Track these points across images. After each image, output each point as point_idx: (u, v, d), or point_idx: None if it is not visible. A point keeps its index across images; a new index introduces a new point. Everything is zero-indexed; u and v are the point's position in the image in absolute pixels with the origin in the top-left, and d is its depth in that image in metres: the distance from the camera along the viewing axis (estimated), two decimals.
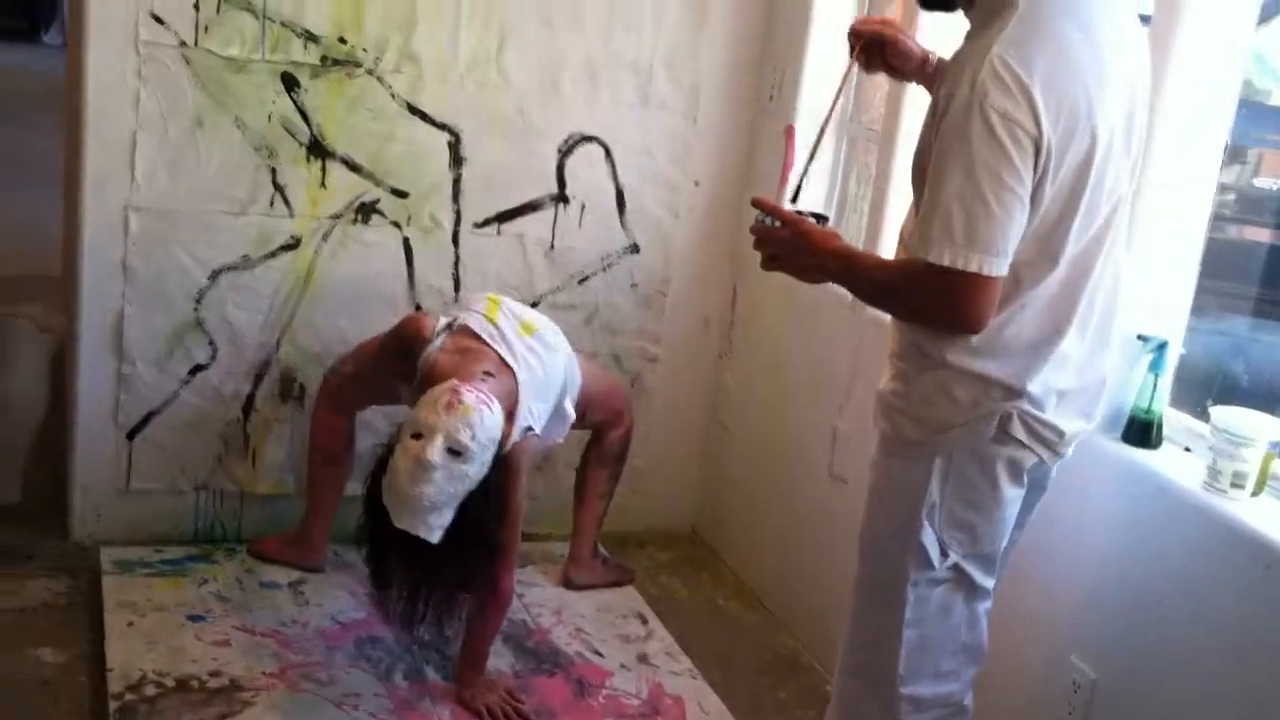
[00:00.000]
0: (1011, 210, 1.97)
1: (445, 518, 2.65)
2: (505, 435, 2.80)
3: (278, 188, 3.39)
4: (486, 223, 3.60)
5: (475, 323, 3.00)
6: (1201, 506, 2.31)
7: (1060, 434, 2.18)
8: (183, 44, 3.24)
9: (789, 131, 3.60)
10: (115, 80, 3.22)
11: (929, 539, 2.20)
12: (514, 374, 2.94)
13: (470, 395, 2.69)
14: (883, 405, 2.27)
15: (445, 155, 3.51)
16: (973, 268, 1.97)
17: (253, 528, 3.54)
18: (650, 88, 3.66)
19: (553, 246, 3.68)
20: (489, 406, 2.71)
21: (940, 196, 1.98)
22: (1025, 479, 2.21)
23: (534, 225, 3.65)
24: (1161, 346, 2.50)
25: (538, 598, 3.43)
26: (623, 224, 3.74)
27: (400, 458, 2.66)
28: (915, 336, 2.19)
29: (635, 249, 3.77)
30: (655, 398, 3.88)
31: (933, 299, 2.05)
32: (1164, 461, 2.47)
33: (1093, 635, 2.52)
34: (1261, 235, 5.01)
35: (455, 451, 2.64)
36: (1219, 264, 4.43)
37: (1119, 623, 2.46)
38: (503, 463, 2.78)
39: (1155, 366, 2.50)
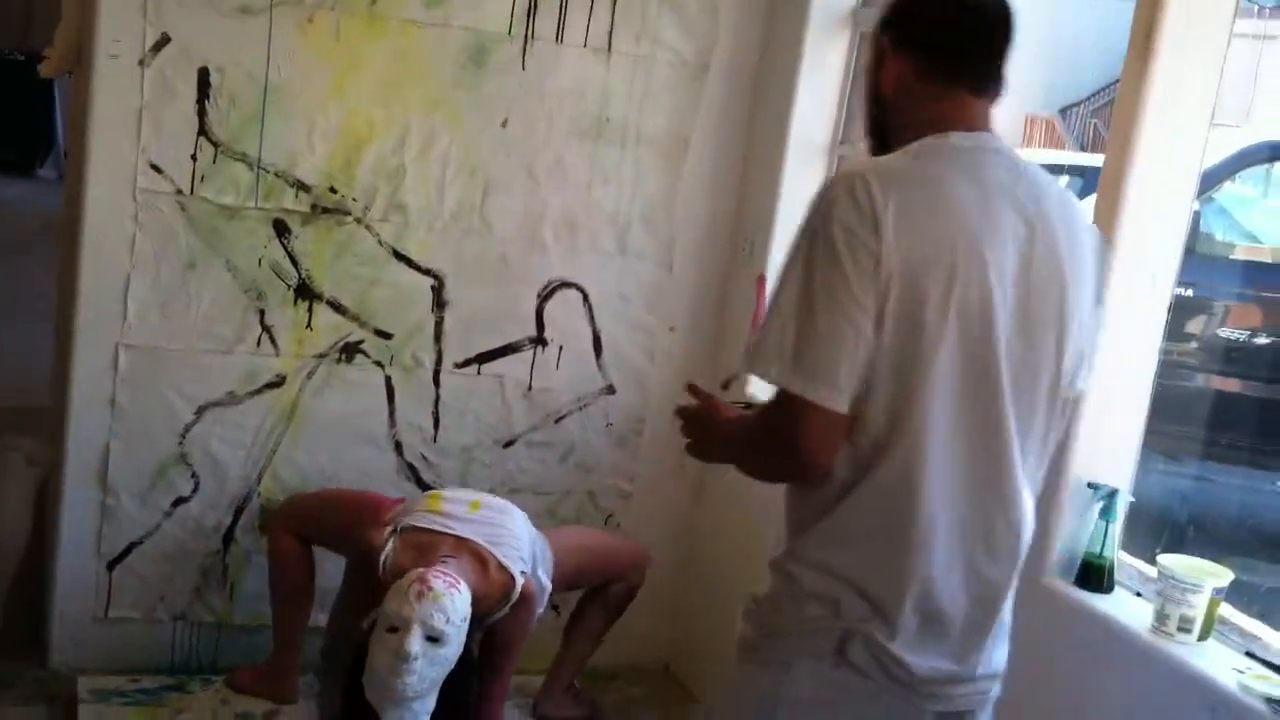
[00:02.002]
0: (842, 335, 1.79)
1: (429, 704, 2.75)
2: (482, 604, 2.89)
3: (265, 328, 3.51)
4: (467, 363, 3.72)
5: (420, 520, 3.07)
6: (1150, 650, 2.41)
7: (910, 674, 1.91)
8: (179, 192, 3.38)
9: (760, 281, 3.74)
10: (112, 224, 3.35)
11: None
12: (472, 545, 3.01)
13: (438, 581, 2.78)
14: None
15: (429, 298, 3.64)
16: (795, 389, 1.80)
17: (229, 658, 3.58)
18: (628, 237, 3.82)
19: (530, 387, 3.80)
20: (457, 588, 2.80)
21: (776, 305, 1.85)
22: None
23: (513, 366, 3.77)
24: (1112, 495, 2.62)
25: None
26: (599, 366, 3.87)
27: (379, 654, 2.74)
28: (787, 516, 2.01)
29: (611, 390, 3.89)
30: (629, 535, 3.96)
31: (765, 425, 1.91)
32: (1115, 606, 2.57)
33: None
34: (1230, 385, 5.18)
35: (433, 639, 2.73)
36: (1187, 412, 4.61)
37: None
38: (517, 605, 2.93)
39: (1106, 513, 2.62)
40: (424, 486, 3.71)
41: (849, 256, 1.79)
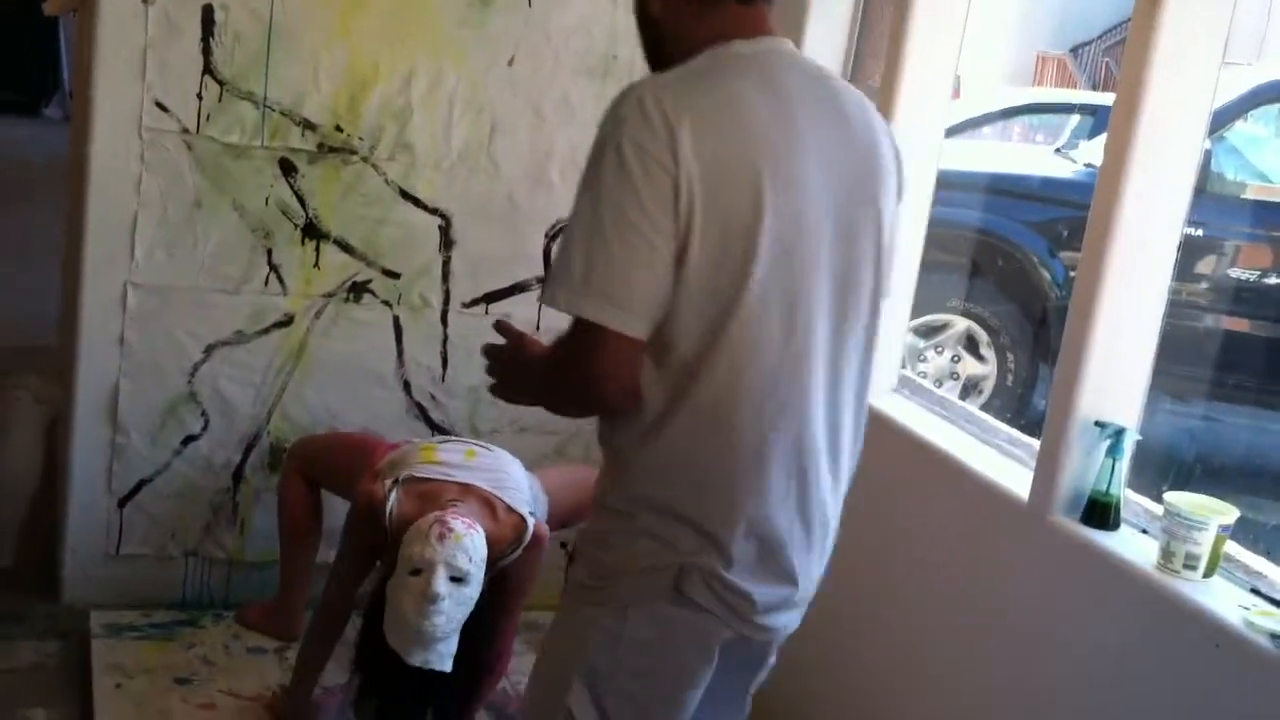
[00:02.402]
0: (636, 254, 1.72)
1: (453, 645, 2.76)
2: (495, 548, 2.89)
3: (272, 267, 3.51)
4: (474, 303, 3.73)
5: (420, 470, 3.06)
6: (1155, 587, 2.42)
7: (750, 603, 1.88)
8: (185, 130, 3.37)
9: None
10: (119, 164, 3.35)
11: (581, 707, 1.91)
12: (477, 490, 3.01)
13: (457, 522, 2.79)
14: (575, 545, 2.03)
15: (436, 238, 3.64)
16: (587, 314, 1.73)
17: (241, 594, 3.61)
18: None
19: (539, 327, 3.79)
20: (474, 529, 2.81)
21: (566, 230, 1.80)
22: (715, 656, 1.92)
23: (521, 306, 3.77)
24: (1119, 433, 2.62)
25: (519, 665, 3.50)
26: None
27: (404, 598, 2.74)
28: (611, 441, 1.91)
29: None
30: None
31: (559, 356, 1.84)
32: (1121, 543, 2.58)
33: (1055, 708, 2.61)
34: (1240, 325, 5.19)
35: (456, 579, 2.74)
36: (1197, 352, 4.62)
37: (1079, 697, 2.56)
38: (530, 546, 2.95)
39: (1113, 451, 2.62)
40: (432, 426, 3.73)
41: (642, 174, 1.72)
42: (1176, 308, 4.02)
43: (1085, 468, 2.66)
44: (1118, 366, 2.65)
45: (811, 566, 1.99)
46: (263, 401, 3.57)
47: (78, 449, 3.49)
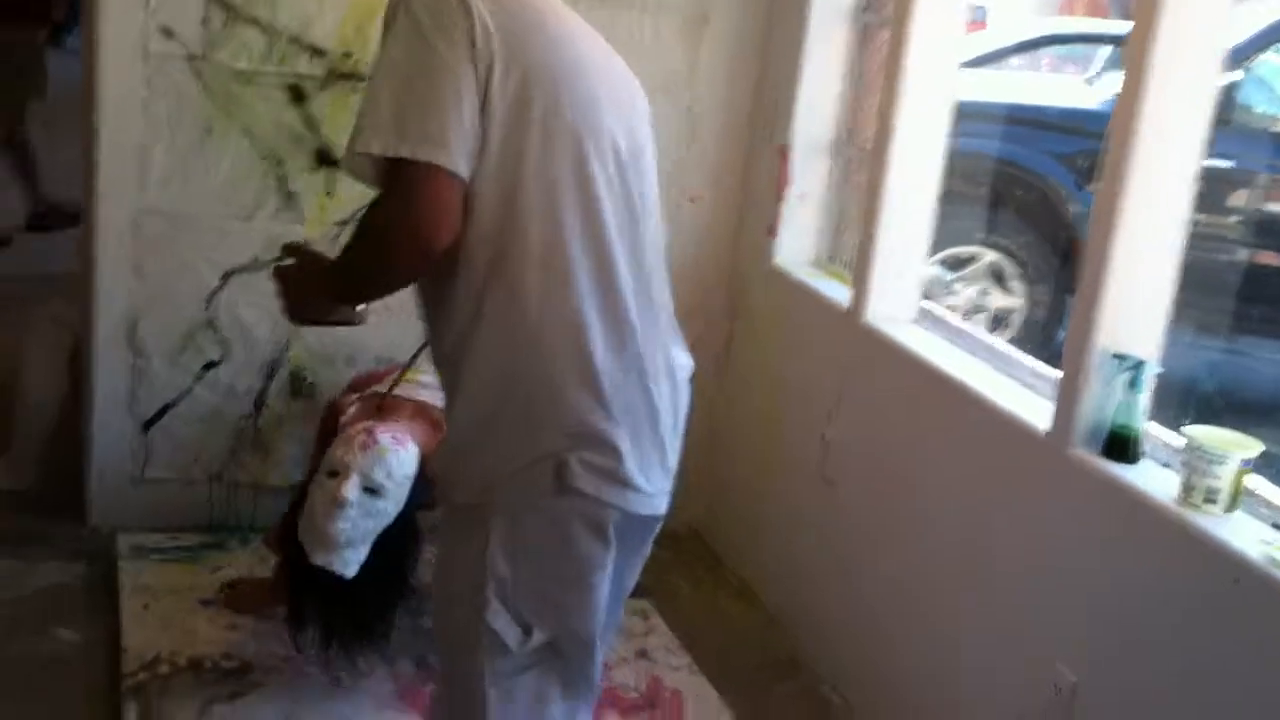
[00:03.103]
0: (444, 98, 1.74)
1: (361, 554, 2.74)
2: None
3: (286, 194, 3.51)
4: None
5: (386, 386, 3.08)
6: (1175, 521, 2.40)
7: (629, 481, 1.91)
8: (191, 56, 3.36)
9: (782, 151, 3.71)
10: (126, 90, 3.34)
11: (500, 620, 1.92)
12: (433, 411, 2.99)
13: (385, 436, 2.78)
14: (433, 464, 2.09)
15: None
16: (404, 153, 1.74)
17: (266, 517, 3.62)
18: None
19: None
20: (403, 446, 2.79)
21: (370, 84, 1.81)
22: (612, 535, 1.94)
23: None
24: (1139, 365, 2.60)
25: None
26: None
27: (317, 496, 2.76)
28: (437, 327, 1.95)
29: None
30: None
31: (379, 213, 1.83)
32: (1142, 477, 2.56)
33: (1073, 641, 2.61)
34: (1269, 259, 5.13)
35: (370, 490, 2.74)
36: (1225, 286, 4.57)
37: (1099, 629, 2.56)
38: None
39: (1133, 384, 2.60)
40: None
41: (439, 31, 1.77)
42: (1205, 241, 3.99)
43: (1105, 400, 2.64)
44: (1136, 298, 2.62)
45: (671, 422, 2.02)
46: (281, 328, 3.57)
47: (100, 373, 3.51)
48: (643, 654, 3.32)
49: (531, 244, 1.85)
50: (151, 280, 3.47)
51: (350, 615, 2.85)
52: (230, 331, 3.55)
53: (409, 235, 1.80)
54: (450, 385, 1.97)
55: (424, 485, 2.83)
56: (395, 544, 2.82)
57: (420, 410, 3.00)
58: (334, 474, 2.75)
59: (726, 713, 3.12)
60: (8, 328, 4.04)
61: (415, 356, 2.63)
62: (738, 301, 3.95)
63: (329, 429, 3.04)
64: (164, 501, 3.57)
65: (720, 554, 4.00)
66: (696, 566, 3.93)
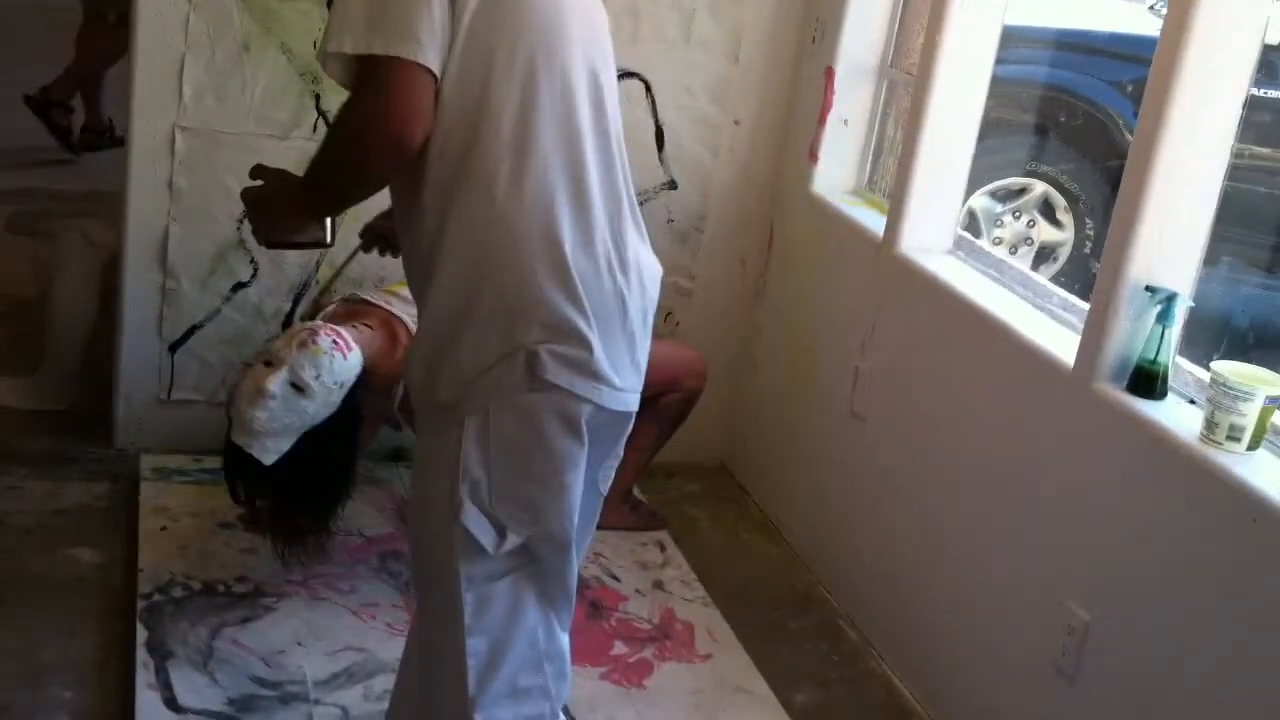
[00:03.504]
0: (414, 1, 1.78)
1: (282, 445, 2.80)
2: (384, 377, 2.92)
3: (321, 113, 3.47)
4: None
5: (369, 294, 3.13)
6: (1196, 458, 2.34)
7: (599, 371, 1.91)
8: None
9: (829, 72, 3.63)
10: (166, 5, 3.30)
11: (475, 521, 1.92)
12: (398, 323, 3.04)
13: (324, 338, 2.82)
14: (405, 369, 2.05)
15: None
16: (376, 49, 1.77)
17: None
18: (693, 26, 3.69)
19: None
20: (343, 352, 2.83)
21: (336, 4, 1.84)
22: (585, 431, 1.94)
23: None
24: (1170, 298, 2.52)
25: None
26: (661, 160, 3.78)
27: (247, 379, 2.83)
28: (407, 237, 1.97)
29: (673, 185, 3.81)
30: (689, 333, 3.93)
31: (351, 111, 1.84)
32: (1166, 413, 2.49)
33: (1087, 579, 2.56)
34: None
35: (297, 386, 2.78)
36: (1266, 219, 4.43)
37: (1113, 567, 2.51)
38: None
39: (1163, 318, 2.52)
40: None
41: None
42: (1252, 173, 3.84)
43: (1134, 334, 2.57)
44: (1173, 229, 2.54)
45: (640, 319, 2.02)
46: (311, 250, 3.55)
47: (129, 294, 3.51)
48: (658, 585, 3.30)
49: (503, 137, 1.86)
50: (184, 199, 3.45)
51: (275, 503, 2.93)
52: (260, 252, 3.53)
53: (383, 130, 1.80)
54: (423, 285, 1.96)
55: (366, 396, 2.89)
56: (325, 445, 2.85)
57: (386, 321, 3.03)
58: (268, 364, 2.82)
59: (738, 645, 3.08)
60: (47, 245, 4.06)
61: None
62: (776, 228, 3.88)
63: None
64: (189, 424, 3.57)
65: (746, 486, 3.95)
66: (720, 499, 3.90)
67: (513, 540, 1.94)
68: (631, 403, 2.02)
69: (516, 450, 1.92)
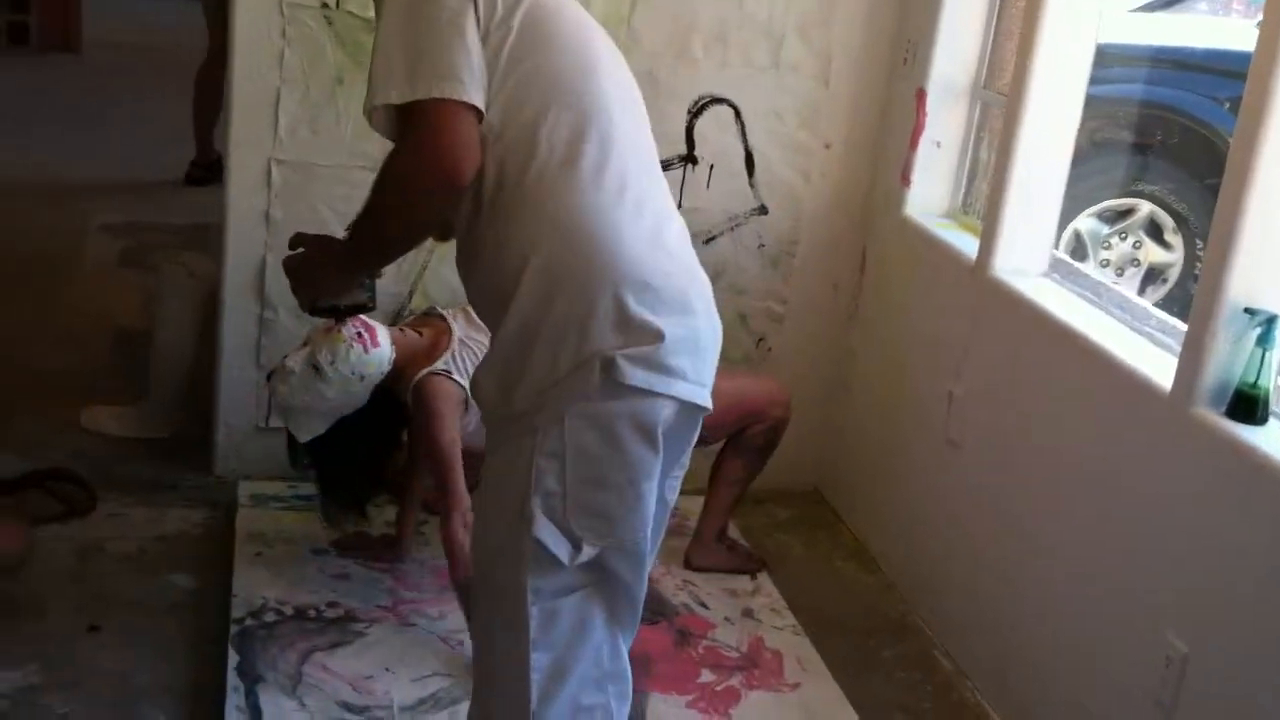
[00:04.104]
0: (447, 33, 1.83)
1: (314, 426, 3.04)
2: (406, 372, 3.05)
3: None
4: None
5: (447, 309, 3.28)
6: None
7: (662, 342, 1.88)
8: (324, 5, 3.37)
9: (920, 95, 3.59)
10: (261, 40, 3.37)
11: (548, 533, 1.89)
12: (452, 338, 3.14)
13: (349, 328, 2.98)
14: (474, 382, 2.06)
15: None
16: (420, 94, 1.81)
17: None
18: (782, 51, 3.67)
19: (680, 207, 3.70)
20: (365, 345, 3.00)
21: (377, 45, 1.89)
22: (660, 437, 1.91)
23: None
24: (1271, 320, 2.45)
25: None
26: (751, 186, 3.76)
27: (287, 355, 3.09)
28: (474, 273, 2.00)
29: (763, 210, 3.79)
30: (781, 357, 3.90)
31: (401, 156, 1.87)
32: (1267, 438, 2.42)
33: (1186, 610, 2.49)
34: None
35: (315, 368, 2.99)
36: None
37: (1213, 598, 2.43)
38: (414, 396, 3.05)
39: (1263, 340, 2.45)
40: None
41: None
42: None
43: (1233, 357, 2.49)
44: (1273, 249, 2.46)
45: (704, 308, 2.02)
46: (404, 278, 3.59)
47: (228, 324, 3.57)
48: (747, 613, 3.27)
49: (557, 155, 1.90)
50: (280, 230, 3.49)
51: (317, 473, 3.16)
52: None
53: (434, 169, 1.83)
54: (495, 309, 1.97)
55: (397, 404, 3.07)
56: (356, 436, 3.06)
57: (439, 333, 3.17)
58: (305, 343, 3.07)
59: (828, 675, 3.04)
60: (153, 277, 4.15)
61: None
62: (869, 251, 3.85)
63: None
64: (285, 451, 3.61)
65: (839, 512, 3.91)
66: (813, 525, 3.85)
67: (588, 552, 1.91)
68: (704, 397, 1.98)
69: (592, 459, 1.89)
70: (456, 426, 3.03)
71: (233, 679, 2.74)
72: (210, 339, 3.71)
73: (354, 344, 2.98)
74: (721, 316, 3.64)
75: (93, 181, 5.95)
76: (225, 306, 3.56)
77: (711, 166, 3.71)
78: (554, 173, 1.90)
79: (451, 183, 1.84)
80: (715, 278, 3.68)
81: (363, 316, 2.94)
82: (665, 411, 1.91)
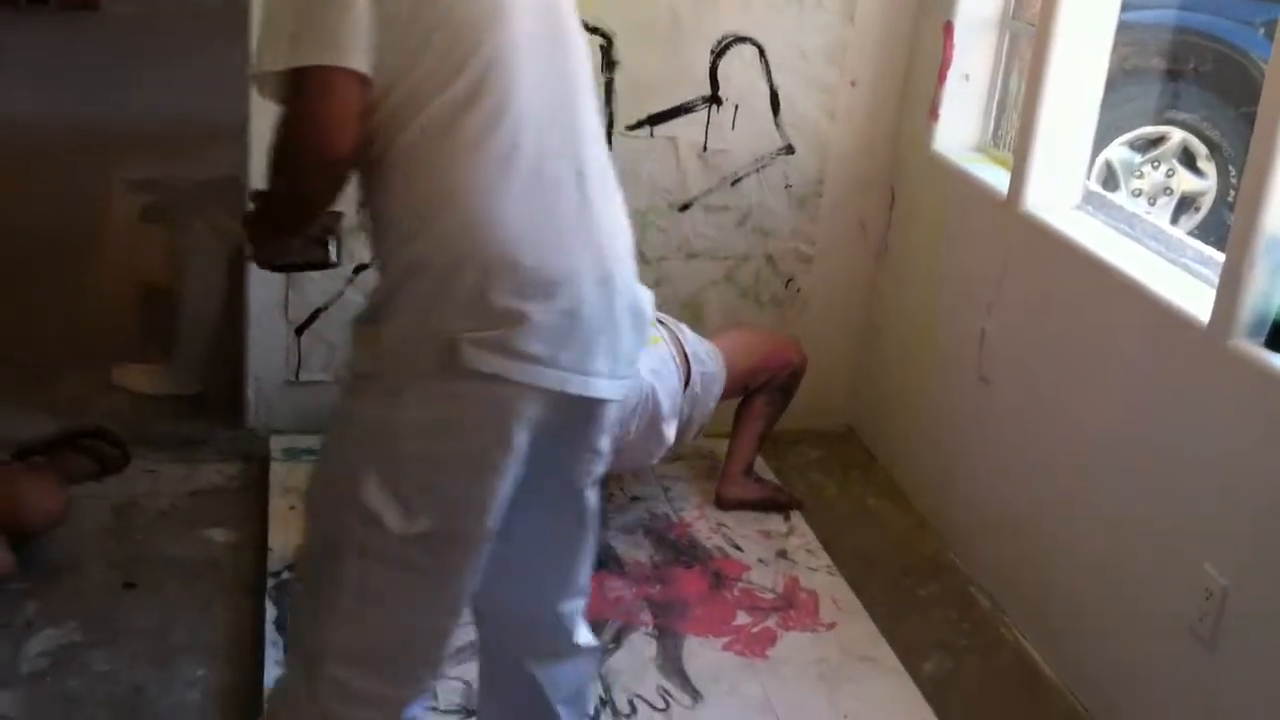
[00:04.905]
0: (335, 3, 1.70)
1: None
2: None
3: None
4: (639, 125, 3.63)
5: None
6: None
7: (528, 329, 1.75)
8: None
9: (947, 28, 3.53)
10: None
11: (377, 499, 1.80)
12: None
13: None
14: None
15: (597, 58, 3.53)
16: (297, 62, 1.69)
17: None
18: None
19: (705, 148, 3.68)
20: None
21: (264, 14, 1.79)
22: (515, 429, 1.80)
23: (686, 128, 3.65)
24: None
25: (682, 491, 3.50)
26: (777, 125, 3.72)
27: None
28: (367, 221, 1.87)
29: (790, 150, 3.75)
30: (810, 298, 3.88)
31: (282, 125, 1.74)
32: None
33: (1226, 543, 2.46)
34: None
35: None
36: None
37: (1253, 530, 2.40)
38: None
39: None
40: None
41: None
42: None
43: (1272, 287, 2.45)
44: None
45: (602, 284, 1.84)
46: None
47: (254, 279, 3.56)
48: (782, 554, 3.26)
49: (431, 121, 1.77)
50: None
51: None
52: None
53: (306, 143, 1.73)
54: (378, 276, 1.89)
55: None
56: None
57: None
58: None
59: (864, 614, 3.03)
60: (177, 234, 4.15)
61: None
62: (897, 189, 3.80)
63: None
64: (316, 404, 3.59)
65: (873, 451, 3.89)
66: (846, 465, 3.84)
67: (419, 526, 1.81)
68: (584, 386, 1.84)
69: (430, 438, 1.80)
70: None
71: (270, 633, 2.74)
72: (238, 294, 3.71)
73: None
74: (749, 258, 3.76)
75: (116, 138, 5.94)
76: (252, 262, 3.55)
77: (736, 107, 3.66)
78: (431, 140, 1.77)
79: (325, 155, 1.73)
80: (743, 220, 3.74)
81: None
82: (527, 402, 1.80)
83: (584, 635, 2.14)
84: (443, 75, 1.77)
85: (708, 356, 3.28)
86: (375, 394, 1.83)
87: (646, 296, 2.00)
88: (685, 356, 3.23)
